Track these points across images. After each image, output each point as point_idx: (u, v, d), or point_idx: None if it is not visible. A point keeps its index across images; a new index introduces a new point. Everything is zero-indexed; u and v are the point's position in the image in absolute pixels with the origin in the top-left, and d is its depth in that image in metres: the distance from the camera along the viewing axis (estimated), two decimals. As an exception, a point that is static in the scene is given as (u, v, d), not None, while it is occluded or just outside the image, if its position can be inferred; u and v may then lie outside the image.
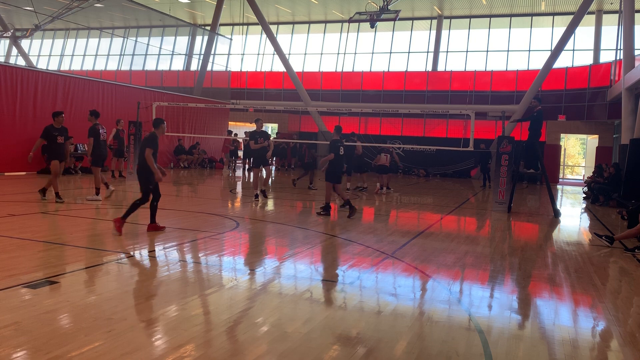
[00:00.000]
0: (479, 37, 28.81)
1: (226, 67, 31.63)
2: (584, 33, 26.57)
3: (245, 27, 31.48)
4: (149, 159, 7.50)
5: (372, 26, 20.31)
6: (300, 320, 4.34)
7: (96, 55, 34.98)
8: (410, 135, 27.48)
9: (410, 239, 8.40)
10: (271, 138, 13.09)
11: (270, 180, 12.93)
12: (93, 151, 11.11)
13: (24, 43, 33.98)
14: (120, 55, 34.35)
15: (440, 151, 23.17)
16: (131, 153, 16.28)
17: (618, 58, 21.02)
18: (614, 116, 23.10)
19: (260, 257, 6.93)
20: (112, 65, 34.14)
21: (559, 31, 24.77)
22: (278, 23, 32.12)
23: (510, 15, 27.90)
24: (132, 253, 6.53)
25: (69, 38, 35.94)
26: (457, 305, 5.09)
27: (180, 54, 33.92)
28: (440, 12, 28.61)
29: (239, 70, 30.79)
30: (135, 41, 34.42)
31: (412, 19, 29.43)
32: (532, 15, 27.55)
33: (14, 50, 33.91)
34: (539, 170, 12.94)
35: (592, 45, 26.26)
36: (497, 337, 4.21)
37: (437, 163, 26.79)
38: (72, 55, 35.70)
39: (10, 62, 30.60)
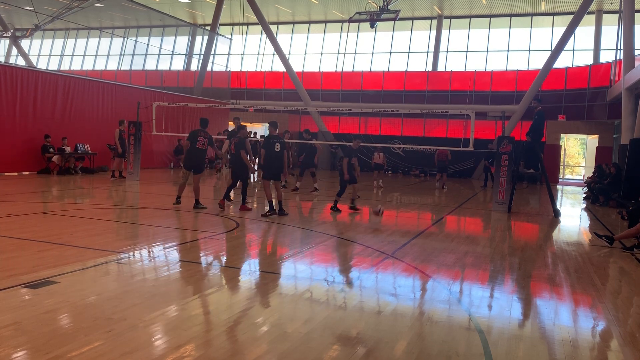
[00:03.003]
0: (479, 37, 28.80)
1: (226, 67, 31.63)
2: (584, 33, 26.55)
3: (245, 27, 31.47)
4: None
5: (372, 26, 20.29)
6: (300, 320, 4.34)
7: (96, 55, 34.97)
8: (410, 135, 27.47)
9: (410, 239, 8.40)
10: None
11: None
12: None
13: (24, 43, 33.97)
14: (120, 55, 34.33)
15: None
16: (131, 153, 16.27)
17: (618, 58, 21.02)
18: (614, 116, 23.09)
19: (260, 257, 6.93)
20: (112, 65, 34.14)
21: (559, 31, 24.77)
22: (278, 23, 32.12)
23: (510, 15, 27.90)
24: (131, 253, 6.53)
25: (69, 38, 35.93)
26: (457, 305, 5.09)
27: (180, 54, 33.91)
28: (440, 12, 28.62)
29: (239, 70, 30.80)
30: (135, 41, 34.41)
31: (412, 19, 29.43)
32: (532, 15, 27.54)
33: (14, 50, 33.91)
34: (538, 171, 12.94)
35: (592, 45, 26.25)
36: (497, 337, 4.21)
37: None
38: (72, 55, 35.69)
39: (10, 62, 30.60)
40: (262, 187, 10.61)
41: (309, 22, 31.84)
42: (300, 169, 15.58)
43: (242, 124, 11.53)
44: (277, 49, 28.31)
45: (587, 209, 14.78)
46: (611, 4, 24.55)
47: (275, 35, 29.15)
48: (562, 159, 28.52)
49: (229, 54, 32.41)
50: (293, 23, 32.17)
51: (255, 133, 24.56)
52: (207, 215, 9.82)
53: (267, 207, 10.29)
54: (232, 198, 11.53)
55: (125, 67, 33.52)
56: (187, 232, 8.11)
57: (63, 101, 18.21)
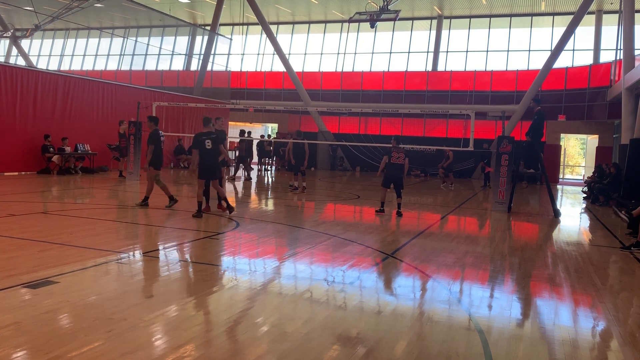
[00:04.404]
0: (479, 37, 28.80)
1: (226, 67, 31.63)
2: (584, 33, 26.55)
3: (245, 27, 31.47)
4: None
5: (372, 26, 20.30)
6: (300, 320, 4.34)
7: (96, 55, 34.97)
8: (410, 135, 27.46)
9: (410, 239, 8.40)
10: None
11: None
12: None
13: (24, 43, 33.97)
14: (120, 55, 34.35)
15: (441, 151, 23.17)
16: (131, 153, 16.27)
17: (618, 58, 21.02)
18: (614, 116, 23.09)
19: (260, 257, 6.92)
20: (112, 65, 34.14)
21: (559, 31, 24.76)
22: (278, 23, 32.12)
23: (510, 15, 27.90)
24: (131, 253, 6.53)
25: (69, 38, 35.93)
26: (457, 305, 5.09)
27: (180, 54, 33.91)
28: (440, 12, 28.61)
29: (239, 70, 30.80)
30: (135, 41, 34.42)
31: (412, 19, 29.42)
32: (532, 15, 27.54)
33: (14, 50, 33.91)
34: (538, 170, 12.94)
35: (592, 45, 26.26)
36: (497, 337, 4.21)
37: (437, 163, 26.77)
38: (72, 55, 35.68)
39: (10, 62, 30.60)
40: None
41: (309, 22, 31.84)
42: (294, 169, 15.25)
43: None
44: (277, 49, 28.31)
45: (587, 209, 14.78)
46: (611, 4, 24.55)
47: (275, 35, 29.15)
48: (562, 159, 28.52)
49: (229, 54, 32.41)
50: (293, 23, 32.16)
51: (249, 132, 24.58)
52: (207, 215, 9.82)
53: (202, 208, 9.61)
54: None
55: (125, 67, 33.52)
56: (187, 232, 8.11)
57: (63, 101, 18.21)
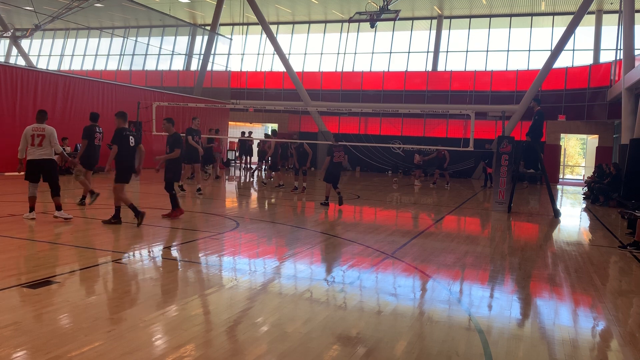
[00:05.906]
0: (479, 37, 28.81)
1: (226, 67, 31.63)
2: (584, 33, 26.56)
3: (245, 27, 31.47)
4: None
5: (372, 26, 20.31)
6: (300, 320, 4.34)
7: (96, 55, 34.97)
8: (410, 135, 27.47)
9: (410, 239, 8.40)
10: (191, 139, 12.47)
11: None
12: None
13: (24, 43, 33.96)
14: (120, 55, 34.34)
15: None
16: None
17: (618, 58, 21.02)
18: (614, 116, 23.10)
19: (260, 257, 6.92)
20: (112, 65, 34.13)
21: (559, 31, 24.77)
22: (278, 23, 32.12)
23: (510, 15, 27.91)
24: (131, 253, 6.53)
25: (69, 38, 35.93)
26: (457, 305, 5.09)
27: (180, 54, 33.91)
28: (440, 12, 28.62)
29: (239, 70, 30.80)
30: (135, 41, 34.42)
31: (412, 18, 29.43)
32: (532, 15, 27.55)
33: (14, 50, 33.90)
34: (538, 171, 12.95)
35: (592, 45, 26.26)
36: (497, 337, 4.21)
37: (437, 163, 26.74)
38: (72, 55, 35.69)
39: (10, 62, 30.59)
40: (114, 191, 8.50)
41: (309, 22, 31.84)
42: (294, 170, 15.18)
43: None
44: (277, 49, 28.31)
45: (587, 209, 14.78)
46: (611, 4, 24.55)
47: (275, 35, 29.15)
48: (562, 159, 28.52)
49: (229, 54, 32.40)
50: (293, 23, 32.17)
51: (250, 132, 24.55)
52: (206, 215, 9.82)
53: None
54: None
55: (125, 67, 33.51)
56: (187, 232, 8.11)
57: (63, 101, 18.20)
